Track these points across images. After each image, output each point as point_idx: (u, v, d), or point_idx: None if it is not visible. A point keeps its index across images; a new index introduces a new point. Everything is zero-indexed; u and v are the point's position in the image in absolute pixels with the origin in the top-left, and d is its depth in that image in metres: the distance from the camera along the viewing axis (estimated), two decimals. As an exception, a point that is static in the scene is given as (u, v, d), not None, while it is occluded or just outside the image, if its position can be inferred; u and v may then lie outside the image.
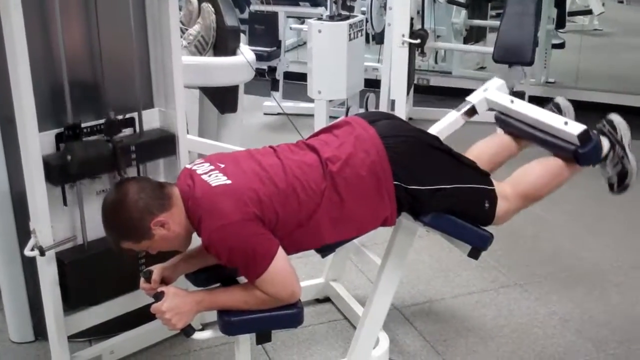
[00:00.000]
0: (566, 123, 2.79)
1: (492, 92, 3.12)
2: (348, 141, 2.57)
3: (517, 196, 2.78)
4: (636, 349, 3.16)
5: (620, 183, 2.98)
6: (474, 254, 2.74)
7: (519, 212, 2.83)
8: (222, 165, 2.46)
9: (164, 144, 2.94)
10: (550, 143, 2.86)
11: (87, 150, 2.65)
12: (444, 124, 3.09)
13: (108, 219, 2.43)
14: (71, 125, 2.66)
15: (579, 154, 2.78)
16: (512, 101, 3.03)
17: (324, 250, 2.67)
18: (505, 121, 3.09)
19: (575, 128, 2.75)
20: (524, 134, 3.01)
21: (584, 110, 6.84)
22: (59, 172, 2.60)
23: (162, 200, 2.39)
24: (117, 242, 2.44)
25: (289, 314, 2.43)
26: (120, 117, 2.79)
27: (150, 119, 2.94)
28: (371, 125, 2.63)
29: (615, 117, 2.99)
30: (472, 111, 3.11)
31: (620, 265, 3.90)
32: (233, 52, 3.83)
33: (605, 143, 2.91)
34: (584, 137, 2.75)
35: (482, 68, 7.88)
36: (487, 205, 2.70)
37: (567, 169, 2.85)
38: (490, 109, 3.17)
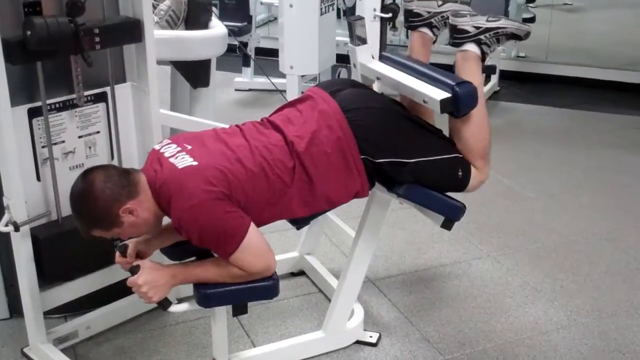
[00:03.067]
0: (425, 102, 2.65)
1: (364, 66, 2.96)
2: (312, 117, 2.57)
3: (475, 161, 2.75)
4: (607, 317, 3.21)
5: (519, 39, 2.80)
6: (447, 224, 2.77)
7: (488, 174, 2.78)
8: (189, 147, 2.46)
9: (129, 28, 2.78)
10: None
11: (48, 28, 2.47)
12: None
13: (76, 209, 2.44)
14: (32, 2, 2.53)
15: (461, 114, 2.64)
16: (378, 78, 2.91)
17: (299, 222, 2.69)
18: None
19: (434, 103, 2.59)
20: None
21: (554, 83, 6.96)
22: (18, 50, 2.47)
23: (129, 187, 2.39)
24: (87, 231, 2.45)
25: (265, 286, 2.45)
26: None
27: (123, 94, 2.92)
28: (334, 96, 2.63)
29: (453, 21, 2.78)
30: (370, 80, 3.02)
31: (590, 236, 3.95)
32: (205, 26, 3.81)
33: (473, 47, 2.74)
34: (446, 106, 2.58)
35: (453, 43, 7.88)
36: (460, 173, 2.70)
37: (484, 107, 2.72)
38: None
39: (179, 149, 2.46)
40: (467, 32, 2.74)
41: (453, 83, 2.60)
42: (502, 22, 2.75)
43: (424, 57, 3.00)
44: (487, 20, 2.74)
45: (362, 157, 2.55)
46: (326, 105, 2.60)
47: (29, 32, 2.45)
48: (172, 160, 2.41)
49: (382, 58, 3.01)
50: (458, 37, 2.77)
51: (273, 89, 5.85)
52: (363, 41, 2.99)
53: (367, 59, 2.99)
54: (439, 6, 2.92)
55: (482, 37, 2.74)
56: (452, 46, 2.82)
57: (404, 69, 2.87)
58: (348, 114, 2.57)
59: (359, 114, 2.59)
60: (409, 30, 3.08)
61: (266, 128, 2.59)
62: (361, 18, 3.06)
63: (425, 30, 2.97)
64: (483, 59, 2.77)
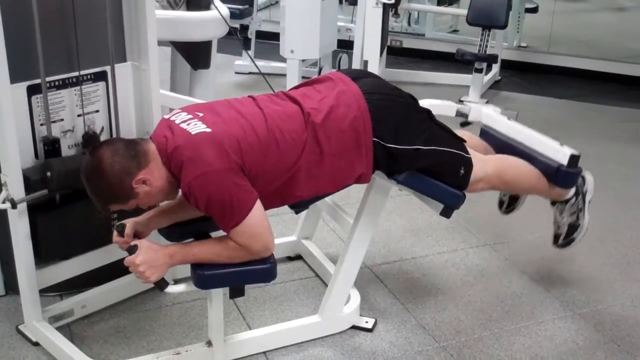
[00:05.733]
0: (562, 144, 3.00)
1: (490, 109, 3.28)
2: (330, 95, 2.57)
3: (496, 176, 2.85)
4: (602, 309, 3.21)
5: (567, 235, 3.15)
6: (446, 212, 2.78)
7: (488, 189, 2.93)
8: (201, 114, 2.44)
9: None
10: (536, 158, 3.00)
11: (65, 166, 2.64)
12: (438, 102, 3.19)
13: (89, 188, 2.43)
14: (50, 141, 2.68)
15: (561, 171, 2.95)
16: (509, 117, 3.22)
17: (298, 206, 2.68)
18: (490, 134, 3.21)
19: (570, 150, 2.97)
20: (508, 148, 3.10)
21: (555, 74, 6.95)
22: (38, 186, 2.60)
23: (138, 158, 2.38)
24: (104, 207, 2.46)
25: (262, 269, 2.45)
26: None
27: (123, 73, 2.90)
28: (354, 81, 2.63)
29: (588, 175, 3.17)
30: (466, 115, 3.29)
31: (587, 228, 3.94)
32: (206, 7, 3.79)
33: (572, 190, 3.10)
34: (574, 159, 2.96)
35: (454, 31, 7.87)
36: (462, 171, 2.73)
37: (546, 183, 3.01)
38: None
39: (190, 116, 2.44)
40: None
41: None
42: (587, 220, 3.19)
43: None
44: (588, 203, 3.19)
45: (374, 139, 2.55)
46: (346, 86, 2.61)
47: (49, 173, 2.59)
48: (183, 126, 2.40)
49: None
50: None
51: (273, 73, 5.87)
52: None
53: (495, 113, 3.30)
54: None
55: (580, 194, 3.13)
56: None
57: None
58: (367, 96, 2.58)
59: (378, 97, 2.61)
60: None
61: (282, 99, 2.59)
62: None
63: None
64: (567, 199, 3.15)
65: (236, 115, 2.45)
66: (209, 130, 2.36)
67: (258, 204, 2.36)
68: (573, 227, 3.15)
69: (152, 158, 2.39)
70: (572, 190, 3.12)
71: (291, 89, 2.72)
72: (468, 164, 2.76)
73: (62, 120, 2.75)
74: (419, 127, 2.66)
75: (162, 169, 2.39)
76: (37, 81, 2.63)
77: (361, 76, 2.73)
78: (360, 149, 2.54)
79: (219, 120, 2.42)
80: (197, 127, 2.37)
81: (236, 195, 2.32)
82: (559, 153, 2.97)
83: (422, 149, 2.62)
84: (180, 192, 2.48)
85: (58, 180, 2.62)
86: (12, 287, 3.05)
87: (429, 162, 2.67)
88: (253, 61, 4.45)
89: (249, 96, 2.61)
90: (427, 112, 2.74)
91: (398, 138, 2.58)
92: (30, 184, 2.59)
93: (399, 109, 2.64)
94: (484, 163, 2.85)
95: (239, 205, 2.33)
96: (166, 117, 2.51)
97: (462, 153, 2.76)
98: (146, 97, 2.91)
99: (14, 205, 2.55)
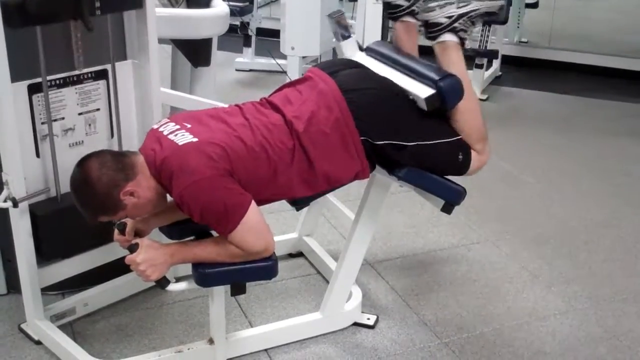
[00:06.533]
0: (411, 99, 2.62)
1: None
2: (310, 98, 2.55)
3: (473, 145, 2.75)
4: (604, 304, 3.21)
5: (494, 15, 2.89)
6: (447, 208, 2.76)
7: (489, 155, 2.80)
8: (189, 125, 2.45)
9: None
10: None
11: None
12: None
13: (77, 199, 2.44)
14: None
15: (445, 105, 2.61)
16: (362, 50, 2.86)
17: (298, 203, 2.68)
18: None
19: (421, 102, 2.58)
20: None
21: (556, 69, 6.94)
22: (17, 13, 2.41)
23: (126, 170, 2.39)
24: (93, 219, 2.46)
25: (263, 266, 2.45)
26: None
27: (124, 71, 2.90)
28: (333, 77, 2.61)
29: (423, 16, 2.77)
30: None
31: (589, 223, 3.95)
32: (206, 5, 3.79)
33: (450, 37, 2.72)
34: (433, 102, 2.57)
35: (454, 27, 7.85)
36: (460, 157, 2.69)
37: (472, 92, 2.75)
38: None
39: (178, 126, 2.45)
40: (441, 24, 2.73)
41: (436, 78, 2.56)
42: (473, 5, 2.74)
43: (411, 44, 2.93)
44: (458, 7, 2.72)
45: (362, 138, 2.53)
46: (325, 85, 2.58)
47: None
48: (171, 137, 2.40)
49: (367, 50, 2.97)
50: (433, 30, 2.75)
51: (273, 70, 5.87)
52: (346, 36, 2.98)
53: (353, 53, 2.95)
54: None
55: (456, 24, 2.72)
56: (428, 40, 2.79)
57: (388, 61, 2.82)
58: (347, 94, 2.55)
59: (358, 94, 2.57)
60: (391, 21, 3.00)
61: (266, 108, 2.58)
62: (341, 13, 3.02)
63: (408, 18, 2.88)
64: (462, 44, 2.76)
65: (223, 125, 2.45)
66: (195, 139, 2.37)
67: (253, 206, 2.36)
68: (493, 15, 2.89)
69: (139, 170, 2.40)
70: (453, 38, 2.72)
71: (274, 93, 2.71)
72: (465, 147, 2.70)
73: (63, 118, 2.76)
74: (405, 120, 2.61)
75: (150, 180, 2.40)
76: (38, 80, 2.63)
77: (340, 69, 2.70)
78: (349, 148, 2.53)
79: (205, 129, 2.43)
80: (184, 137, 2.38)
81: (229, 200, 2.33)
82: (422, 91, 2.59)
83: (412, 144, 2.58)
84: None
85: (38, 4, 2.42)
86: (14, 286, 3.05)
87: (424, 156, 2.61)
88: (275, 59, 4.43)
89: (236, 105, 2.61)
90: (411, 102, 2.66)
91: (385, 134, 2.55)
92: (7, 10, 2.39)
93: (380, 103, 2.60)
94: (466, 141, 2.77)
95: (233, 210, 2.33)
96: (155, 127, 2.52)
97: (457, 138, 2.69)
98: (147, 95, 2.91)
99: (15, 204, 2.55)
